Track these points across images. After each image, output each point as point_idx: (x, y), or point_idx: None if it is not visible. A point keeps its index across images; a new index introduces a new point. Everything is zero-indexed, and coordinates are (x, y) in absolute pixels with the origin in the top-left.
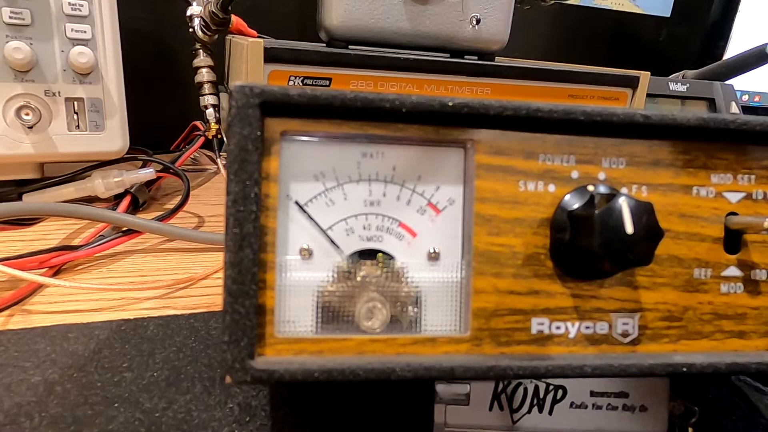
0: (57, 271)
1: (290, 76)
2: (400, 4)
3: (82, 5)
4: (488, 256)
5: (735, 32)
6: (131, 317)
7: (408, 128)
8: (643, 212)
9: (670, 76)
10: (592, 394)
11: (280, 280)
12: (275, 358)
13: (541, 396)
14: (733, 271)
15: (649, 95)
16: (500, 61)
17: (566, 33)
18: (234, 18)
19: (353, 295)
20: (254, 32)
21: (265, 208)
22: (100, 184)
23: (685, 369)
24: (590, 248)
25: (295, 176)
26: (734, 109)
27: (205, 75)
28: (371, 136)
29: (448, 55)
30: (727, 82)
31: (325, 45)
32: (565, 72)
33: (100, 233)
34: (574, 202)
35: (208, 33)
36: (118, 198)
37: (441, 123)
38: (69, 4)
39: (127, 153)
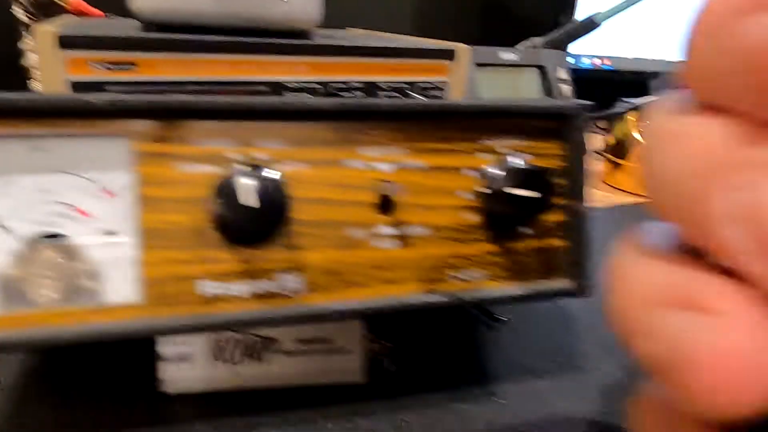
0: None
1: (90, 62)
2: None
3: None
4: (157, 233)
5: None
6: None
7: (74, 123)
8: (268, 185)
9: (515, 46)
10: (299, 341)
11: None
12: None
13: (255, 347)
14: (386, 229)
15: (480, 65)
16: (325, 38)
17: (436, 4)
18: None
19: (32, 274)
20: (99, 12)
21: None
22: None
23: (346, 315)
24: (231, 221)
25: None
26: (562, 74)
27: (31, 59)
28: (40, 134)
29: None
30: (577, 45)
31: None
32: (382, 48)
33: None
34: (225, 182)
35: (33, 17)
36: None
37: (104, 117)
38: None
39: None
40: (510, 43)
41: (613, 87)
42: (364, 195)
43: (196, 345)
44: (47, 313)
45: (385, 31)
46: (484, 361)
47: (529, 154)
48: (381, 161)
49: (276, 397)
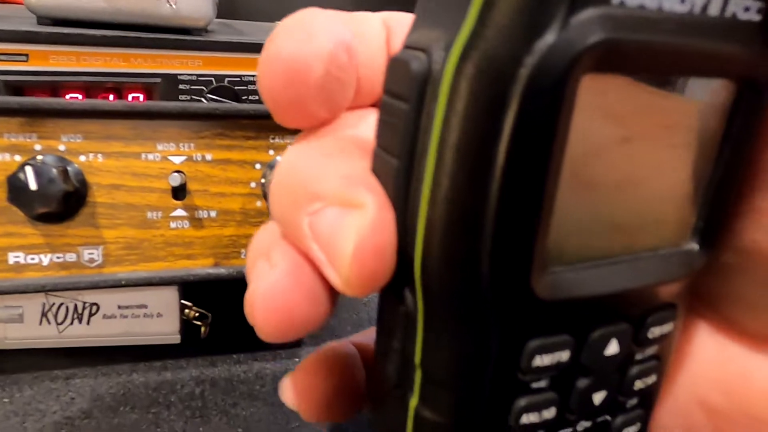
0: None
1: None
2: None
3: None
4: None
5: None
6: None
7: None
8: (62, 172)
9: None
10: (120, 307)
11: None
12: None
13: (80, 312)
14: (180, 212)
15: None
16: (228, 34)
17: None
18: None
19: None
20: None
21: None
22: None
23: (142, 283)
24: (22, 201)
25: None
26: None
27: None
28: None
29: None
30: None
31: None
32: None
33: None
34: (19, 168)
35: None
36: None
37: None
38: None
39: None
40: None
41: None
42: (159, 183)
43: (27, 309)
44: None
45: None
46: None
47: None
48: (174, 155)
49: (95, 354)
